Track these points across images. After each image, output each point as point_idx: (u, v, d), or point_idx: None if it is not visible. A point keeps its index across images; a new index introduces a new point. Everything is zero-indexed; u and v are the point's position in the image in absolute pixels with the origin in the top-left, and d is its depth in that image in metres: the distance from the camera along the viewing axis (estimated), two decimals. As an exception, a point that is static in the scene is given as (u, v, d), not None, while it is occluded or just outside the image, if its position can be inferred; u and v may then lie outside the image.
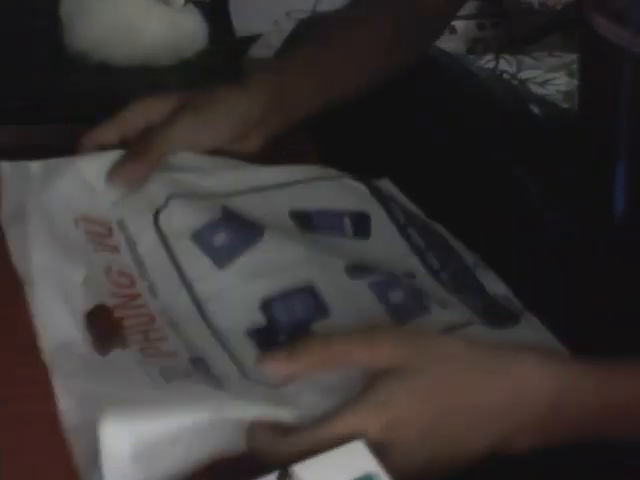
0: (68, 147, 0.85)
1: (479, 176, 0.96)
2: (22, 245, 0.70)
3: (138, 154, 0.77)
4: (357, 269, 0.73)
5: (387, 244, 0.78)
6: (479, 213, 0.94)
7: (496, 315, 0.71)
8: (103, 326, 0.66)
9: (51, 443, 0.62)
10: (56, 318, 0.66)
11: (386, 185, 0.85)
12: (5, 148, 0.85)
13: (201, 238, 0.73)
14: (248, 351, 0.66)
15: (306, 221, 0.78)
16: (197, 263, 0.72)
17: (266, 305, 0.69)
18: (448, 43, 1.00)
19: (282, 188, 0.80)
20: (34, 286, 0.67)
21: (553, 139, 0.98)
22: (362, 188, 0.82)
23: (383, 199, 0.82)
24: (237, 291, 0.70)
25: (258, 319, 0.68)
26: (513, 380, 0.58)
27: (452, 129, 0.98)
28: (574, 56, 1.70)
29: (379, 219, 0.79)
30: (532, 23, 1.80)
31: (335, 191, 0.81)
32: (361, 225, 0.79)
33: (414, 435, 0.57)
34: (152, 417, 0.56)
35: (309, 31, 0.94)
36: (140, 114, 0.80)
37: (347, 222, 0.79)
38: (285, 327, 0.68)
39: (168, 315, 0.68)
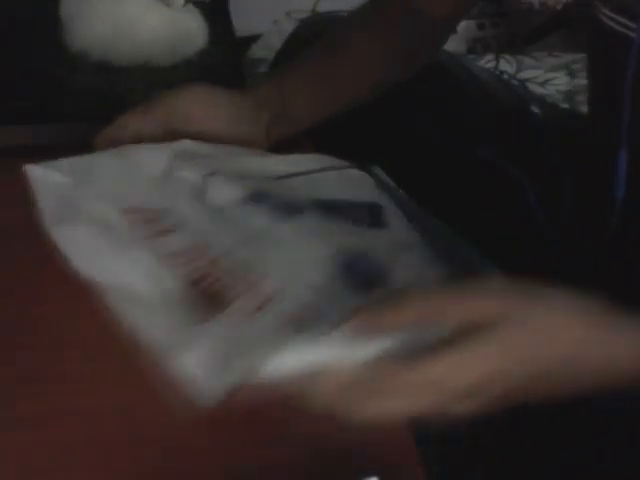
0: (68, 147, 0.85)
1: (477, 177, 0.96)
2: (81, 245, 0.69)
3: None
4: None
5: (401, 234, 0.78)
6: (476, 213, 0.94)
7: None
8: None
9: (51, 443, 0.62)
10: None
11: (378, 173, 0.86)
12: (5, 148, 0.85)
13: (250, 203, 0.74)
14: (338, 293, 0.66)
15: (330, 209, 0.78)
16: (255, 221, 0.72)
17: (335, 256, 0.69)
18: (448, 43, 0.99)
19: (298, 177, 0.81)
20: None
21: (552, 140, 0.98)
22: (368, 179, 0.83)
23: (387, 189, 0.83)
24: (302, 241, 0.70)
25: (332, 267, 0.68)
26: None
27: (452, 129, 0.98)
28: (574, 56, 1.70)
29: (389, 210, 0.80)
30: (532, 23, 1.80)
31: (346, 182, 0.82)
32: (376, 216, 0.79)
33: (511, 383, 0.56)
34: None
35: (311, 38, 0.94)
36: (157, 110, 0.80)
37: (365, 212, 0.79)
38: (361, 276, 0.68)
39: (248, 270, 0.68)
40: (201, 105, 0.81)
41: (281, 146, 0.86)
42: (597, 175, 0.85)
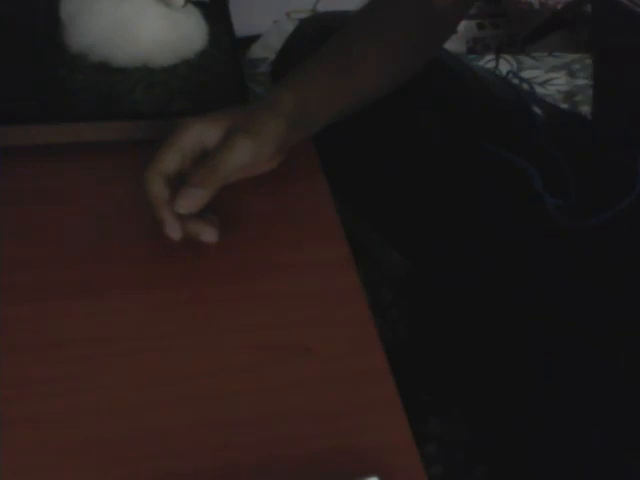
0: (70, 147, 0.85)
1: (480, 169, 0.96)
2: None
3: (203, 180, 0.76)
4: None
5: None
6: (482, 203, 0.94)
7: None
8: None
9: (51, 443, 0.62)
10: None
11: None
12: (5, 148, 0.85)
13: None
14: None
15: None
16: None
17: None
18: (448, 43, 0.99)
19: None
20: None
21: (553, 138, 0.98)
22: None
23: None
24: None
25: None
26: None
27: (453, 127, 0.98)
28: (574, 56, 1.71)
29: None
30: (532, 23, 1.80)
31: None
32: None
33: None
34: None
35: (311, 38, 0.93)
36: (194, 139, 0.78)
37: None
38: None
39: None
40: (250, 155, 0.78)
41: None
42: (610, 160, 0.85)
